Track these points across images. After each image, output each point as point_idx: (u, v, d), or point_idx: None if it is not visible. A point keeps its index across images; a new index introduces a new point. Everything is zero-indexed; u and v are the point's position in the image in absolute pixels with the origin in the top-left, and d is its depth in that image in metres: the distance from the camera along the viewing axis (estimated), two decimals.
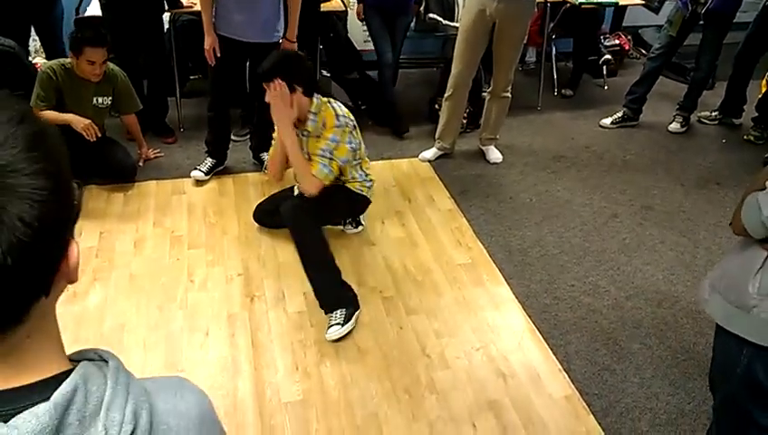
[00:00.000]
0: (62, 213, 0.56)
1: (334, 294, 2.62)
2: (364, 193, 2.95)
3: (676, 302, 2.86)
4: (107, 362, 0.61)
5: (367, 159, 2.99)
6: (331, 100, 2.79)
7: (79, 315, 2.58)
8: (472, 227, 3.31)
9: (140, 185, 3.51)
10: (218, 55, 3.24)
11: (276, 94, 2.57)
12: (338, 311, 2.55)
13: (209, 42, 3.23)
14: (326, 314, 2.58)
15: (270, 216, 3.04)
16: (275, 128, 2.76)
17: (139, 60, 3.73)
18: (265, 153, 3.60)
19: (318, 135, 2.68)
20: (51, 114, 3.17)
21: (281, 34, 3.30)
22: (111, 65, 3.37)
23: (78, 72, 3.20)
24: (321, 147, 2.64)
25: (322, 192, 2.68)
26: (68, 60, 3.23)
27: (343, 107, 2.77)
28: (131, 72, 3.53)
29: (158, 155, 3.78)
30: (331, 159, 2.66)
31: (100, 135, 3.24)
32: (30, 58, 3.95)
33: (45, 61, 3.67)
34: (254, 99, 3.38)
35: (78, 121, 3.16)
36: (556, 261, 3.09)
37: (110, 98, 3.38)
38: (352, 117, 2.78)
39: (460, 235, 3.25)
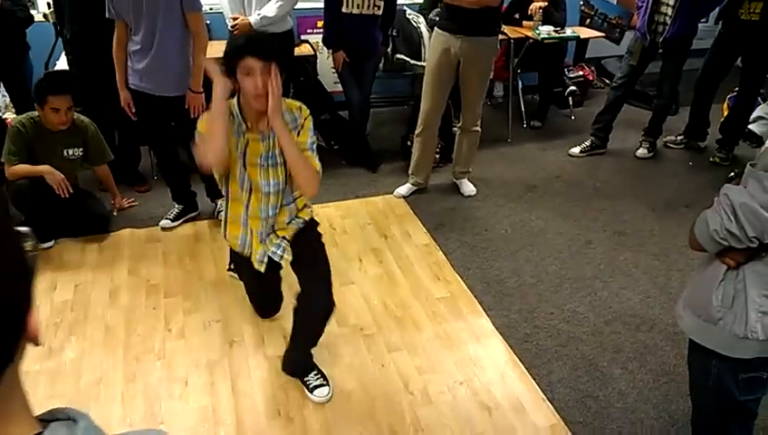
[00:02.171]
0: (12, 286, 0.55)
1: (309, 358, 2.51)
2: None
3: (653, 325, 2.89)
4: (77, 421, 0.59)
5: None
6: None
7: (55, 371, 2.53)
8: (449, 260, 3.33)
9: (115, 235, 3.48)
10: (133, 110, 3.27)
11: (276, 84, 2.02)
12: (312, 372, 2.47)
13: (122, 97, 3.26)
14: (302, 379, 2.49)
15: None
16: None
17: (109, 111, 3.73)
18: (219, 199, 3.56)
19: (295, 127, 2.18)
20: (24, 167, 3.16)
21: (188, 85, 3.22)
22: (82, 117, 3.38)
23: (45, 123, 3.20)
24: (308, 140, 2.19)
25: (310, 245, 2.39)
26: (36, 113, 3.23)
27: None
28: (102, 123, 3.54)
29: (132, 204, 3.76)
30: (317, 153, 2.22)
31: (71, 191, 3.22)
32: (0, 113, 3.95)
33: (15, 116, 3.66)
34: (189, 149, 3.45)
35: (51, 173, 3.15)
36: (534, 290, 3.11)
37: (81, 149, 3.38)
38: None
39: (438, 269, 3.26)
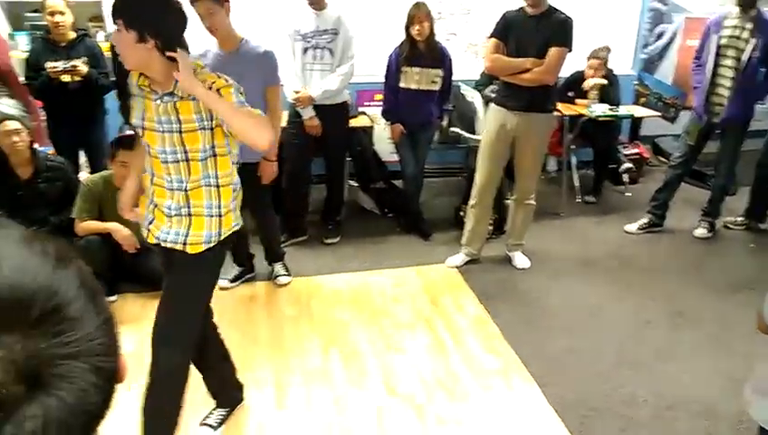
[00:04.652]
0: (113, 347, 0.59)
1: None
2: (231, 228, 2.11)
3: (716, 412, 2.76)
4: None
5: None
6: None
7: (111, 424, 2.55)
8: (502, 332, 3.28)
9: None
10: None
11: (119, 40, 1.89)
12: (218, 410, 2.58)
13: None
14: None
15: None
16: None
17: None
18: (277, 263, 3.74)
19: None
20: (93, 224, 3.31)
21: (262, 154, 3.31)
22: None
23: (115, 180, 3.37)
24: (235, 100, 1.93)
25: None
26: (108, 172, 3.42)
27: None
28: None
29: None
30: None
31: (138, 246, 3.36)
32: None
33: (89, 175, 3.87)
34: (254, 214, 3.57)
35: (118, 231, 3.29)
36: (591, 369, 3.02)
37: None
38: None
39: (490, 341, 3.22)
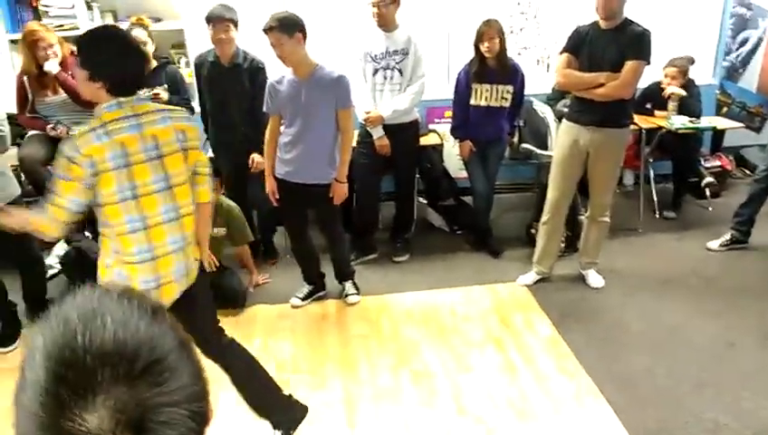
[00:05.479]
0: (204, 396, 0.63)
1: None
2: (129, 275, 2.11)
3: None
4: None
5: (162, 227, 2.13)
6: (163, 106, 2.17)
7: None
8: (574, 353, 3.20)
9: (249, 310, 3.70)
10: (277, 196, 3.46)
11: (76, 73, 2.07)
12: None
13: (268, 184, 3.48)
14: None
15: None
16: None
17: (247, 194, 4.06)
18: (347, 282, 3.82)
19: None
20: None
21: (333, 176, 3.41)
22: (228, 200, 3.70)
23: None
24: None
25: None
26: None
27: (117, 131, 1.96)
28: (242, 205, 3.85)
29: (267, 281, 3.99)
30: (53, 204, 1.94)
31: (218, 265, 3.49)
32: None
33: None
34: (325, 233, 3.70)
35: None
36: (670, 393, 2.90)
37: (225, 229, 3.68)
38: (120, 154, 1.96)
39: (563, 362, 3.15)
